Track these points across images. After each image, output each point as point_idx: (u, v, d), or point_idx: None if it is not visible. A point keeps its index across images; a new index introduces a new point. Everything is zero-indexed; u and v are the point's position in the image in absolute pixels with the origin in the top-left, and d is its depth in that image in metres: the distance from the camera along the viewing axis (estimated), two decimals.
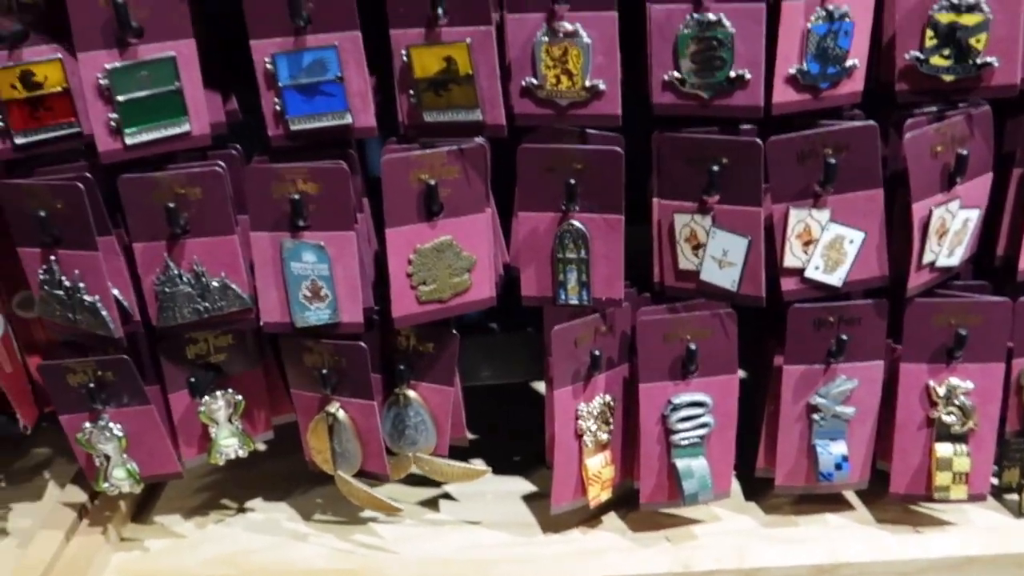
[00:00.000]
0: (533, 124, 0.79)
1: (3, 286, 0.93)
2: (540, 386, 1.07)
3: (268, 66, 0.77)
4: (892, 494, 0.88)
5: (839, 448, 0.87)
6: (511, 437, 1.03)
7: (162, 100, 0.77)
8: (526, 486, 0.99)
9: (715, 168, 0.77)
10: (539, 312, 0.86)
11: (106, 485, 0.88)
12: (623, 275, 0.82)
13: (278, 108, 0.78)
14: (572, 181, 0.78)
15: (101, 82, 0.76)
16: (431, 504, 0.96)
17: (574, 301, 0.82)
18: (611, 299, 0.83)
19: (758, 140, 0.76)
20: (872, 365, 0.85)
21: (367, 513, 0.94)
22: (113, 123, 0.77)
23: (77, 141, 0.80)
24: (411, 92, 0.78)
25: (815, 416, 0.86)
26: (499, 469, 0.99)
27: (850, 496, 0.93)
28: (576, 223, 0.80)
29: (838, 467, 0.87)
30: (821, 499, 0.92)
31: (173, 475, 0.91)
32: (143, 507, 0.99)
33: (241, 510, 0.98)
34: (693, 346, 0.83)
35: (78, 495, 0.97)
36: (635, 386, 0.85)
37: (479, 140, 0.79)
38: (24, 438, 1.01)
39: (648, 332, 0.83)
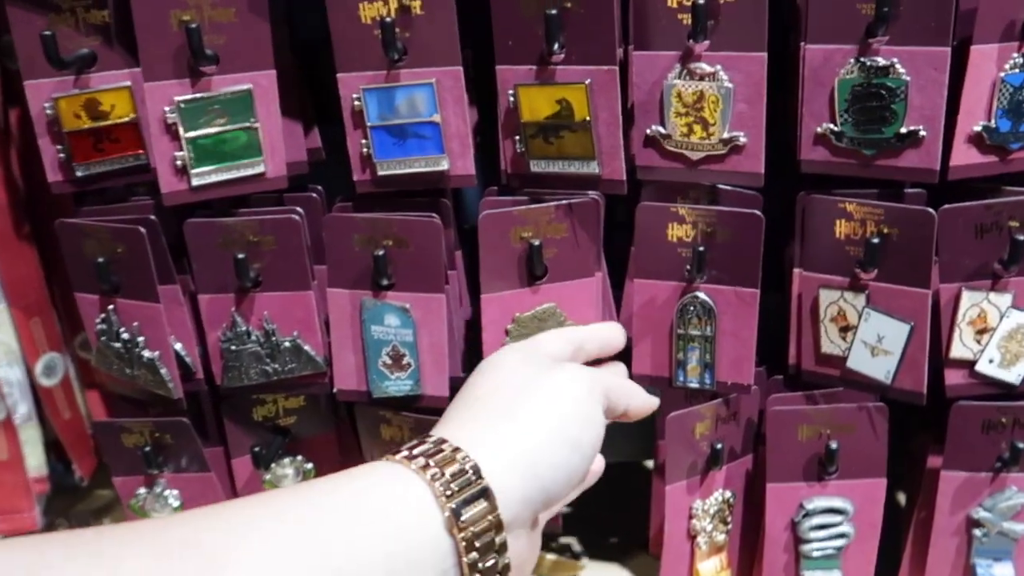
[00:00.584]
0: (658, 180, 0.68)
1: (66, 324, 0.87)
2: (647, 462, 0.95)
3: (356, 103, 0.67)
4: None
5: (1005, 571, 0.73)
6: (611, 521, 0.92)
7: (235, 137, 0.68)
8: None
9: (875, 240, 0.65)
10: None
11: None
12: (754, 357, 0.70)
13: (365, 150, 0.68)
14: (701, 248, 0.66)
15: (169, 116, 0.67)
16: None
17: (694, 384, 0.71)
18: (738, 384, 0.71)
19: (930, 210, 0.64)
20: None
21: None
22: (179, 162, 0.68)
23: (145, 174, 0.72)
24: (517, 137, 0.67)
25: (976, 532, 0.73)
26: (596, 555, 0.88)
27: None
28: (703, 295, 0.68)
29: None
30: None
31: None
32: None
33: None
34: (834, 444, 0.70)
35: None
36: (761, 484, 0.73)
37: (592, 194, 0.68)
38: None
39: (780, 424, 0.71)
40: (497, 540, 0.46)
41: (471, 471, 0.45)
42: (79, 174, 0.71)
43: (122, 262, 0.71)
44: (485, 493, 0.45)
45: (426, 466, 0.45)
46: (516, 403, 0.49)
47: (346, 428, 0.82)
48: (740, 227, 0.66)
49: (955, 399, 0.70)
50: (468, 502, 0.45)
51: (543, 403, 0.50)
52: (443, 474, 0.45)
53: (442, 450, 0.46)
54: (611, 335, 0.67)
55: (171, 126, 0.67)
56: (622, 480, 0.96)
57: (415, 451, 0.46)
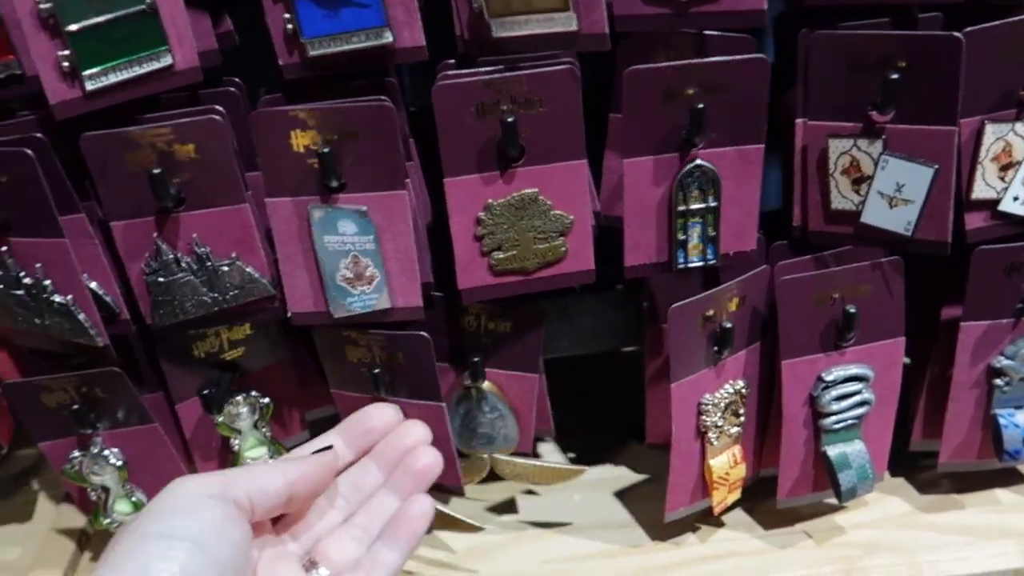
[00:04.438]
0: (642, 29, 0.58)
1: None
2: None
3: None
4: None
5: None
6: (597, 415, 0.85)
7: (130, 25, 0.56)
8: (623, 475, 0.80)
9: (892, 76, 0.57)
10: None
11: (107, 522, 0.70)
12: (757, 219, 0.62)
13: (290, 27, 0.57)
14: (700, 105, 0.57)
15: (42, 7, 0.54)
16: (508, 507, 0.78)
17: (696, 262, 0.63)
18: (741, 252, 0.63)
19: (958, 34, 0.56)
20: None
21: None
22: (66, 63, 0.56)
23: (21, 86, 0.59)
24: None
25: (997, 381, 0.68)
26: (588, 457, 0.81)
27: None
28: (704, 163, 0.59)
29: None
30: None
31: None
32: None
33: None
34: (852, 308, 0.64)
35: (75, 518, 0.78)
36: (775, 363, 0.67)
37: (567, 59, 0.58)
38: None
39: (792, 293, 0.64)
40: None
41: None
42: None
43: (9, 194, 0.58)
44: None
45: None
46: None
47: (303, 354, 0.73)
48: (741, 77, 0.57)
49: (975, 244, 0.64)
50: None
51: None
52: None
53: None
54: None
55: (47, 20, 0.55)
56: (602, 375, 0.89)
57: None
